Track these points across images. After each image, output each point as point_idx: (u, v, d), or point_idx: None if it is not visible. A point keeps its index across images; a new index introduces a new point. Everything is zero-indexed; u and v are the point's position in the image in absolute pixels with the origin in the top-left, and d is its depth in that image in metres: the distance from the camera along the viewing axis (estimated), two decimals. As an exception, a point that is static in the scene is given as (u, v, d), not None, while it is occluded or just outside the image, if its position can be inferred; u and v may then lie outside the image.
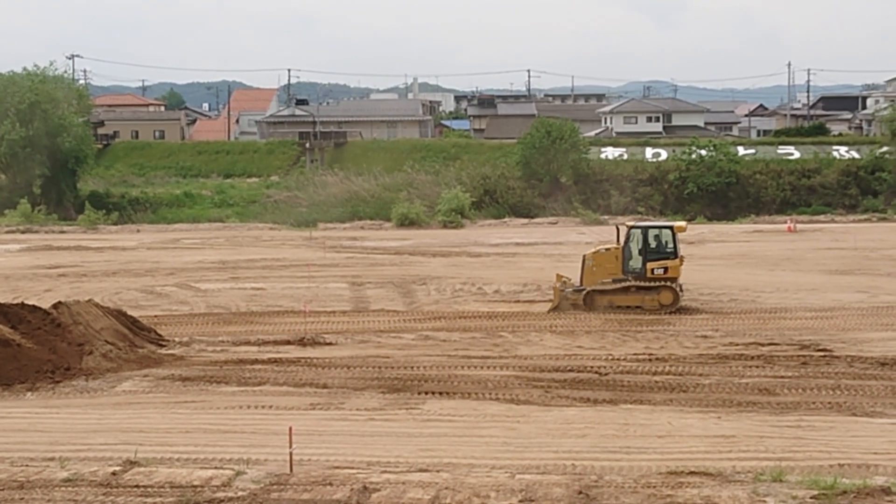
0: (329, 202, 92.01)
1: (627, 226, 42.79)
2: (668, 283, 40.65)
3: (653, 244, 41.11)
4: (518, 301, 44.11)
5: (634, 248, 41.14)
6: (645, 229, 41.89)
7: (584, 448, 21.93)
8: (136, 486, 18.82)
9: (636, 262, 40.92)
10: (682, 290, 41.06)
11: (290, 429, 20.38)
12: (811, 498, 17.56)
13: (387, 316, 40.74)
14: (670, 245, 41.09)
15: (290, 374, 30.28)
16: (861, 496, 17.58)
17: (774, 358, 31.74)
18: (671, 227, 41.91)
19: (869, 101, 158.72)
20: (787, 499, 17.61)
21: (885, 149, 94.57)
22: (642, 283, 40.66)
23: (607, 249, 41.71)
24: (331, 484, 18.76)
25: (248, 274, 53.35)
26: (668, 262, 40.75)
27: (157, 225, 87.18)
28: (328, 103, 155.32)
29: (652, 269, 40.67)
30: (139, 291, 47.48)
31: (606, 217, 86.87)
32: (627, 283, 40.67)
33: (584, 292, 40.77)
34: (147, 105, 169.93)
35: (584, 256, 41.98)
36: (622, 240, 41.51)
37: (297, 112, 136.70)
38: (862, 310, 40.32)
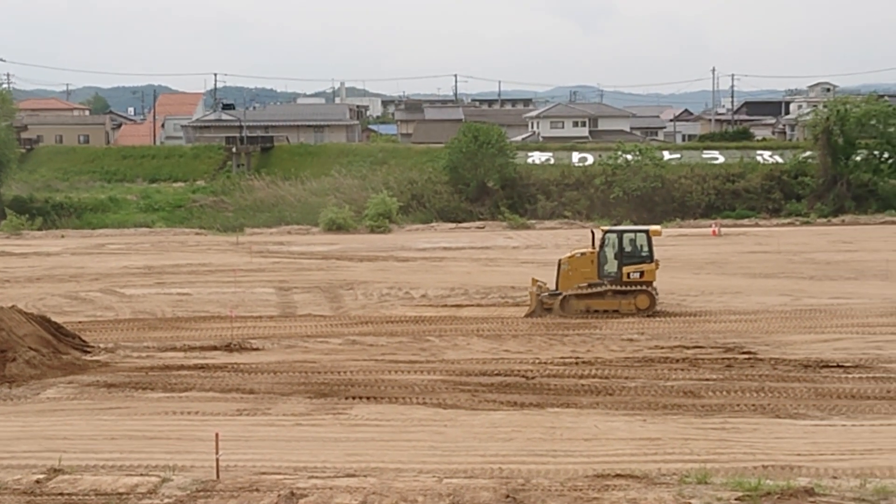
0: (256, 207, 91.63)
1: (603, 230, 43.03)
2: (645, 287, 40.91)
3: (628, 248, 41.39)
4: (445, 305, 44.16)
5: (610, 252, 41.39)
6: (620, 233, 42.20)
7: (511, 451, 22.00)
8: (61, 494, 18.65)
9: (612, 266, 41.16)
10: (657, 293, 41.36)
11: (217, 435, 20.28)
12: (735, 499, 17.74)
13: (314, 321, 40.63)
14: (645, 249, 41.38)
15: (217, 379, 30.12)
16: (785, 497, 17.78)
17: (699, 361, 32.00)
18: (646, 231, 42.19)
19: (792, 106, 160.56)
20: (711, 500, 17.78)
21: (807, 153, 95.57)
22: (618, 287, 40.89)
23: (583, 254, 41.85)
24: (258, 490, 18.70)
25: (174, 279, 52.98)
26: (644, 266, 41.04)
27: (82, 230, 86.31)
28: (255, 108, 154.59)
29: (628, 273, 40.94)
30: (63, 297, 47.01)
31: (533, 221, 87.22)
32: (604, 288, 40.89)
33: (561, 297, 40.91)
34: (71, 109, 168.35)
35: (559, 261, 42.12)
36: (598, 244, 41.73)
37: (224, 116, 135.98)
38: (785, 313, 40.77)
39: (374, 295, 47.01)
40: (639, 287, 40.87)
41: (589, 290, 40.87)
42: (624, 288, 40.86)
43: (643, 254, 41.30)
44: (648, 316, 40.10)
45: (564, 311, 40.51)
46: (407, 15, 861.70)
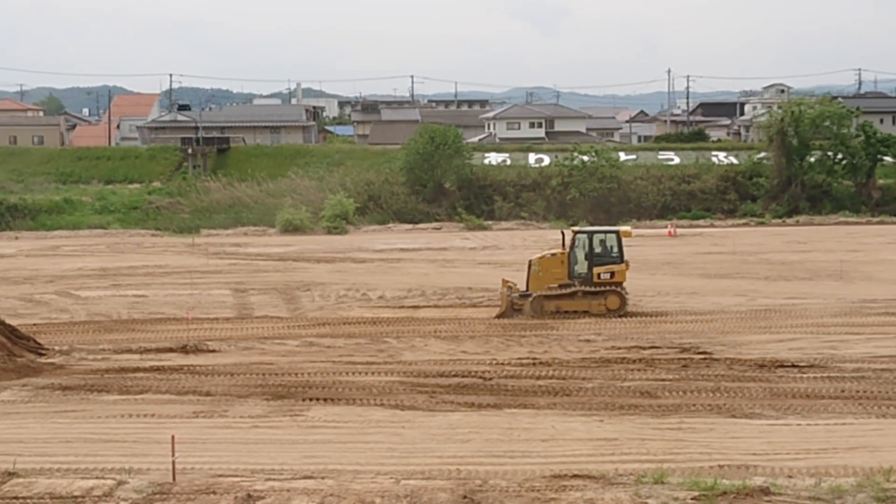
0: (212, 208, 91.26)
1: (573, 231, 43.11)
2: (615, 288, 41.02)
3: (598, 249, 41.50)
4: (403, 306, 44.15)
5: (580, 253, 41.47)
6: (591, 234, 42.28)
7: (469, 453, 22.02)
8: (15, 498, 18.51)
9: (582, 266, 41.26)
10: (627, 294, 41.51)
11: (173, 437, 20.19)
12: (692, 499, 17.82)
13: (271, 322, 40.53)
14: (616, 250, 41.50)
15: (173, 382, 29.99)
16: (740, 497, 17.87)
17: (656, 361, 32.14)
18: (617, 232, 42.31)
19: (747, 108, 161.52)
20: (668, 500, 17.85)
21: (762, 154, 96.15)
22: (589, 288, 40.97)
23: (553, 255, 41.92)
24: (214, 492, 18.63)
25: (129, 281, 52.71)
26: (615, 267, 41.16)
27: (37, 232, 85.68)
28: (211, 109, 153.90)
29: (598, 274, 41.05)
30: (17, 299, 46.68)
31: (490, 222, 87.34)
32: (574, 288, 40.95)
33: (532, 297, 40.95)
34: (25, 110, 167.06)
35: (530, 261, 42.18)
36: (568, 245, 41.80)
37: (180, 117, 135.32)
38: (741, 313, 41.00)
39: (331, 296, 46.94)
40: (609, 288, 41.00)
41: (559, 291, 40.96)
42: (594, 289, 40.97)
43: (613, 254, 41.45)
44: (620, 316, 40.23)
45: (535, 312, 40.57)
46: (363, 16, 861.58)
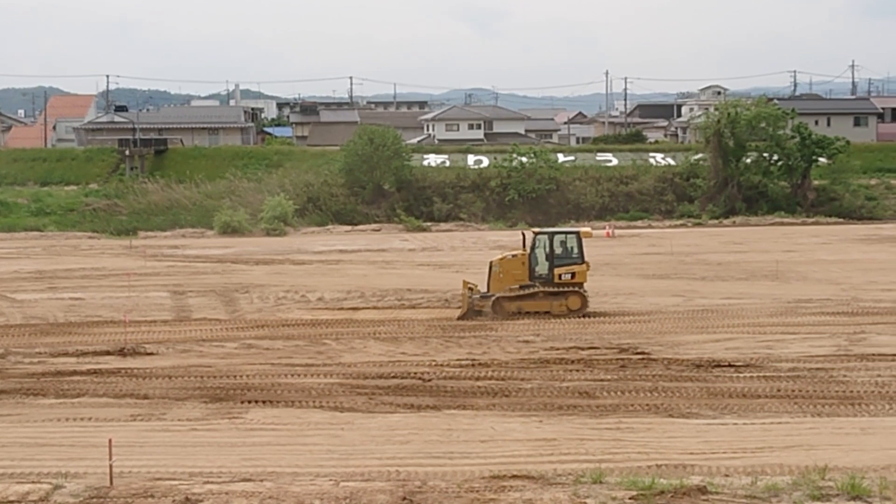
0: (149, 210, 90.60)
1: (534, 232, 43.22)
2: (576, 288, 41.19)
3: (559, 250, 41.62)
4: (342, 308, 44.08)
5: (541, 254, 41.57)
6: (551, 235, 42.39)
7: (408, 454, 22.04)
8: (-50, 503, 18.34)
9: (543, 267, 41.36)
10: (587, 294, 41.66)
11: (110, 441, 20.08)
12: (630, 499, 17.92)
13: (209, 325, 40.33)
14: (576, 251, 41.63)
15: (110, 385, 29.80)
16: (678, 496, 18.00)
17: (594, 361, 32.29)
18: (577, 233, 42.54)
19: (684, 109, 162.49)
20: (606, 500, 17.94)
21: (699, 156, 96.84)
22: (550, 289, 41.06)
23: (514, 256, 42.03)
24: (152, 496, 18.54)
25: (66, 284, 52.25)
26: (576, 268, 41.33)
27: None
28: (148, 110, 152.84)
29: (559, 275, 41.17)
30: (-48, 303, 46.18)
31: (429, 224, 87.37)
32: (535, 289, 41.04)
33: (493, 299, 41.01)
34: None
35: (490, 263, 42.26)
36: (528, 246, 41.87)
37: (117, 119, 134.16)
38: (678, 313, 41.28)
39: (270, 298, 46.78)
40: (570, 288, 41.18)
41: (521, 292, 41.08)
42: (555, 289, 41.13)
43: (574, 255, 41.64)
44: (582, 316, 40.41)
45: (496, 313, 40.69)
46: (302, 17, 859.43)
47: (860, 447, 22.24)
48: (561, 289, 41.17)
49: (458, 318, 40.74)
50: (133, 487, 19.10)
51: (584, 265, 41.50)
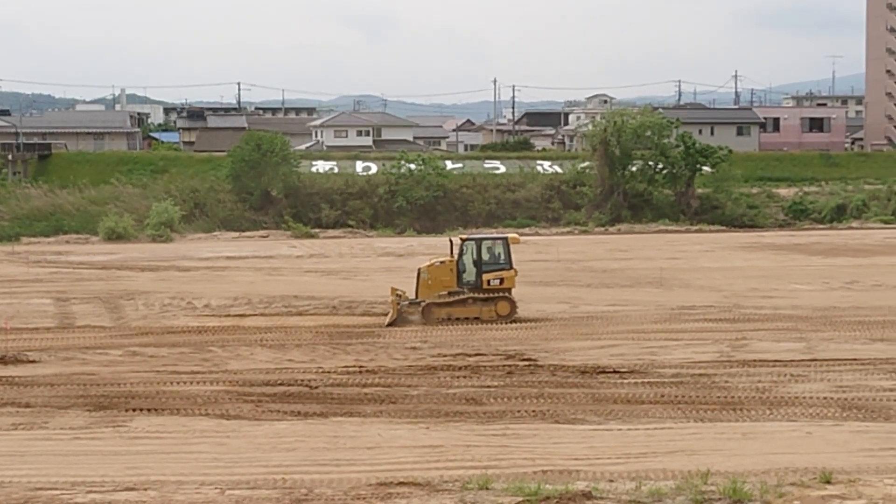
0: (33, 216, 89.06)
1: (461, 238, 43.20)
2: (505, 294, 41.33)
3: (487, 256, 41.74)
4: (228, 315, 43.78)
5: (469, 260, 41.62)
6: (479, 241, 42.55)
7: (295, 462, 21.97)
8: None
9: (471, 274, 41.43)
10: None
11: (-9, 450, 19.76)
12: (515, 504, 18.04)
13: (93, 332, 39.83)
14: (504, 256, 41.76)
15: (-9, 393, 29.30)
16: (563, 501, 18.15)
17: (481, 368, 32.44)
18: (505, 239, 42.76)
19: (571, 118, 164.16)
20: (492, 506, 18.04)
21: (586, 164, 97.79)
22: (479, 295, 41.12)
23: (442, 262, 42.08)
24: (33, 506, 18.28)
25: (-55, 290, 51.29)
26: (504, 273, 41.46)
27: None
28: (32, 114, 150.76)
29: (488, 281, 41.27)
30: None
31: (317, 230, 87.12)
32: (465, 295, 41.08)
33: (423, 305, 40.97)
34: None
35: (419, 270, 42.23)
36: (456, 253, 41.88)
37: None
38: (564, 320, 41.61)
39: (155, 305, 46.32)
40: (499, 294, 41.33)
41: (450, 299, 41.14)
42: (484, 295, 41.25)
43: (501, 261, 41.83)
44: (510, 322, 40.60)
45: (426, 320, 40.75)
46: (190, 22, 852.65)
47: (741, 452, 22.59)
48: (490, 295, 41.39)
49: (388, 325, 40.68)
50: (14, 498, 18.81)
51: (512, 271, 41.75)
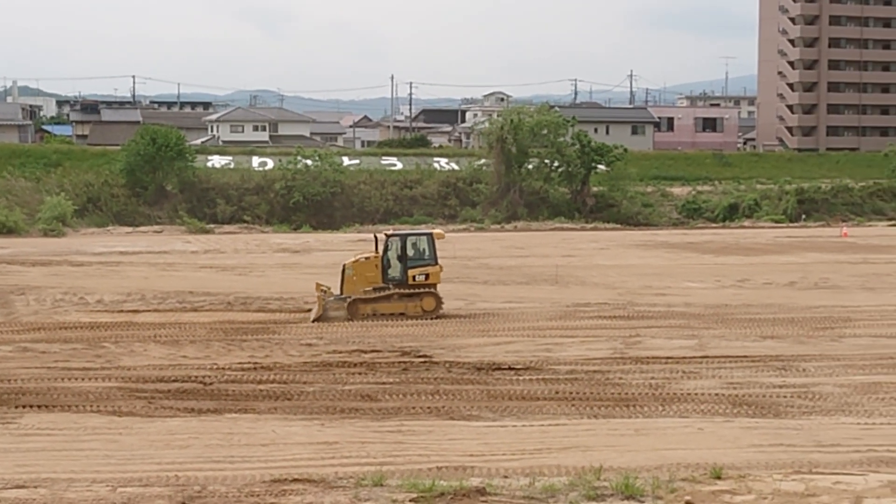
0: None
1: (385, 234, 43.03)
2: (430, 290, 41.31)
3: (411, 252, 41.64)
4: (122, 311, 43.30)
5: (393, 256, 41.50)
6: (403, 237, 42.44)
7: (188, 459, 21.79)
8: None
9: (396, 270, 41.34)
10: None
11: None
12: (410, 501, 18.05)
13: (-18, 328, 39.19)
14: (428, 252, 41.77)
15: None
16: (458, 497, 18.20)
17: (377, 364, 32.41)
18: (429, 234, 42.76)
19: (468, 115, 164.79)
20: (387, 502, 18.04)
21: (482, 161, 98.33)
22: (404, 291, 41.02)
23: (367, 258, 41.89)
24: (-81, 505, 17.96)
25: None
26: (429, 269, 41.40)
27: None
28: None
29: (413, 276, 41.22)
30: None
31: (213, 226, 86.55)
32: (390, 291, 40.96)
33: (348, 301, 40.72)
34: None
35: (343, 266, 41.96)
36: (381, 249, 41.72)
37: None
38: (460, 317, 41.70)
39: (47, 300, 45.67)
40: (424, 289, 41.34)
41: (375, 294, 41.04)
42: (410, 291, 41.22)
43: (426, 257, 41.83)
44: (435, 318, 40.65)
45: (351, 315, 40.55)
46: (84, 14, 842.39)
47: (634, 448, 22.80)
48: (415, 290, 41.39)
49: (313, 321, 40.49)
50: None
51: (437, 266, 41.79)
